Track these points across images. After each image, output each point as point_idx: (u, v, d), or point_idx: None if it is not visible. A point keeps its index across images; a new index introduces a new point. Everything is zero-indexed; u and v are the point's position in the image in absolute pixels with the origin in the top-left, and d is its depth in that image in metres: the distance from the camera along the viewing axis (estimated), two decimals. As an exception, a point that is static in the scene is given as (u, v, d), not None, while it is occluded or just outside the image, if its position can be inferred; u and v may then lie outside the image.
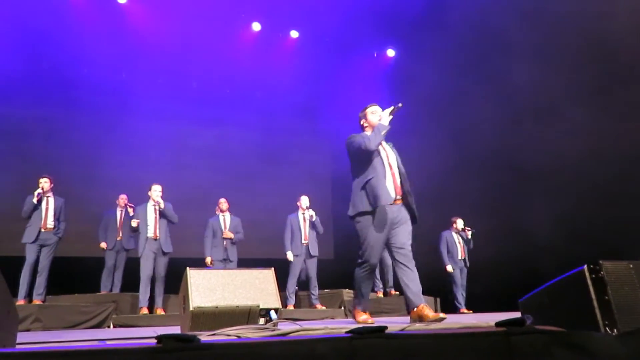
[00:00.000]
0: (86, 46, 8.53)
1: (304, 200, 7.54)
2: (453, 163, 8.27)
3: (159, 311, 6.63)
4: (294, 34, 9.76)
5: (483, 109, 7.93)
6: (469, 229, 7.91)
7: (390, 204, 3.78)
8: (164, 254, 6.74)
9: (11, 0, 7.99)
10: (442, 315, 3.62)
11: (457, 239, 7.98)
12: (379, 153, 3.91)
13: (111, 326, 6.08)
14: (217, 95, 9.84)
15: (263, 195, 9.44)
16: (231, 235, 7.29)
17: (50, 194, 6.63)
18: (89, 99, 8.84)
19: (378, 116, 3.99)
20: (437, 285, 7.97)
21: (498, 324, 1.47)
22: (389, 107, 3.96)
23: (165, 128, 9.36)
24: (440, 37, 8.32)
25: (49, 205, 6.59)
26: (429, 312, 3.59)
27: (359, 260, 3.84)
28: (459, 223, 7.98)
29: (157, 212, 6.74)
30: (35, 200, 6.43)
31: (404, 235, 3.81)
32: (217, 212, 7.46)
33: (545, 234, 6.48)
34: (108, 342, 2.47)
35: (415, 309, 3.65)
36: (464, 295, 7.90)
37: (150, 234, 6.68)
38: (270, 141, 9.98)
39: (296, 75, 9.79)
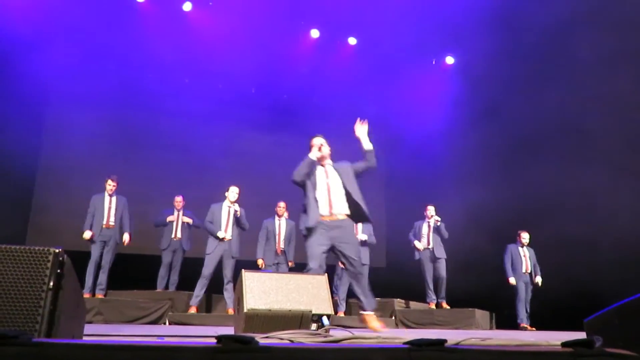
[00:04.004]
0: (150, 52, 8.88)
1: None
2: (512, 176, 8.03)
3: (231, 312, 6.51)
4: (352, 40, 9.78)
5: (544, 118, 7.67)
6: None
7: (327, 220, 4.39)
8: (232, 257, 6.77)
9: (82, 8, 8.40)
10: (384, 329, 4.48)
11: (522, 253, 7.71)
12: (315, 177, 4.56)
13: (167, 323, 6.27)
14: (274, 100, 9.98)
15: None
16: (292, 264, 7.42)
17: (114, 193, 7.00)
18: (152, 103, 9.18)
19: (316, 148, 4.66)
20: (495, 300, 7.73)
21: (564, 345, 1.40)
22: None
23: (224, 132, 9.58)
24: (502, 44, 8.10)
25: (112, 205, 6.95)
26: (375, 324, 4.39)
27: None
28: (525, 236, 7.70)
29: (231, 214, 6.78)
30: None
31: (352, 250, 4.42)
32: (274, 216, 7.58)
33: (612, 250, 6.16)
34: (166, 339, 2.55)
35: (364, 313, 4.47)
36: (528, 311, 7.58)
37: (221, 235, 6.73)
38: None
39: (353, 82, 9.79)
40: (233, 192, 6.82)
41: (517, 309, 7.57)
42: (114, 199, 6.99)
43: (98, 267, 6.80)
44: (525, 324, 7.51)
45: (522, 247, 7.70)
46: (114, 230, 6.93)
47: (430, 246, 7.75)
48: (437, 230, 7.74)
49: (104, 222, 6.87)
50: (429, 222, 7.80)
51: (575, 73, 7.27)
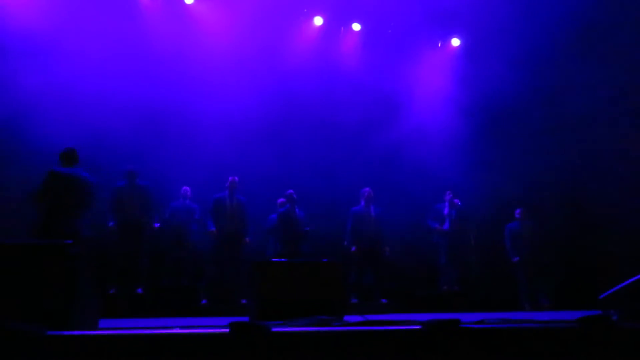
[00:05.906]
0: (156, 47, 8.82)
1: (369, 193, 7.54)
2: (517, 155, 7.99)
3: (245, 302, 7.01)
4: (356, 26, 9.69)
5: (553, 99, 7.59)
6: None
7: None
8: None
9: (81, 4, 8.38)
10: None
11: (521, 230, 7.57)
12: None
13: (180, 315, 6.31)
14: (277, 90, 9.89)
15: (329, 189, 9.44)
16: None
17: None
18: (152, 95, 9.11)
19: None
20: (510, 281, 7.71)
21: (580, 321, 1.39)
22: None
23: (228, 123, 9.49)
24: (508, 25, 8.00)
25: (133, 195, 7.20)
26: None
27: None
28: (518, 212, 7.62)
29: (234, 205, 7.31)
30: None
31: None
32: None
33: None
34: (181, 329, 2.57)
35: None
36: (529, 289, 7.44)
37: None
38: (335, 135, 9.94)
39: (359, 68, 9.71)
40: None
41: (520, 290, 7.49)
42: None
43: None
44: (527, 307, 7.36)
45: (521, 224, 7.59)
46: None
47: (451, 230, 7.70)
48: (460, 213, 7.71)
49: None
50: (449, 205, 7.76)
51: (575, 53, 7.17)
